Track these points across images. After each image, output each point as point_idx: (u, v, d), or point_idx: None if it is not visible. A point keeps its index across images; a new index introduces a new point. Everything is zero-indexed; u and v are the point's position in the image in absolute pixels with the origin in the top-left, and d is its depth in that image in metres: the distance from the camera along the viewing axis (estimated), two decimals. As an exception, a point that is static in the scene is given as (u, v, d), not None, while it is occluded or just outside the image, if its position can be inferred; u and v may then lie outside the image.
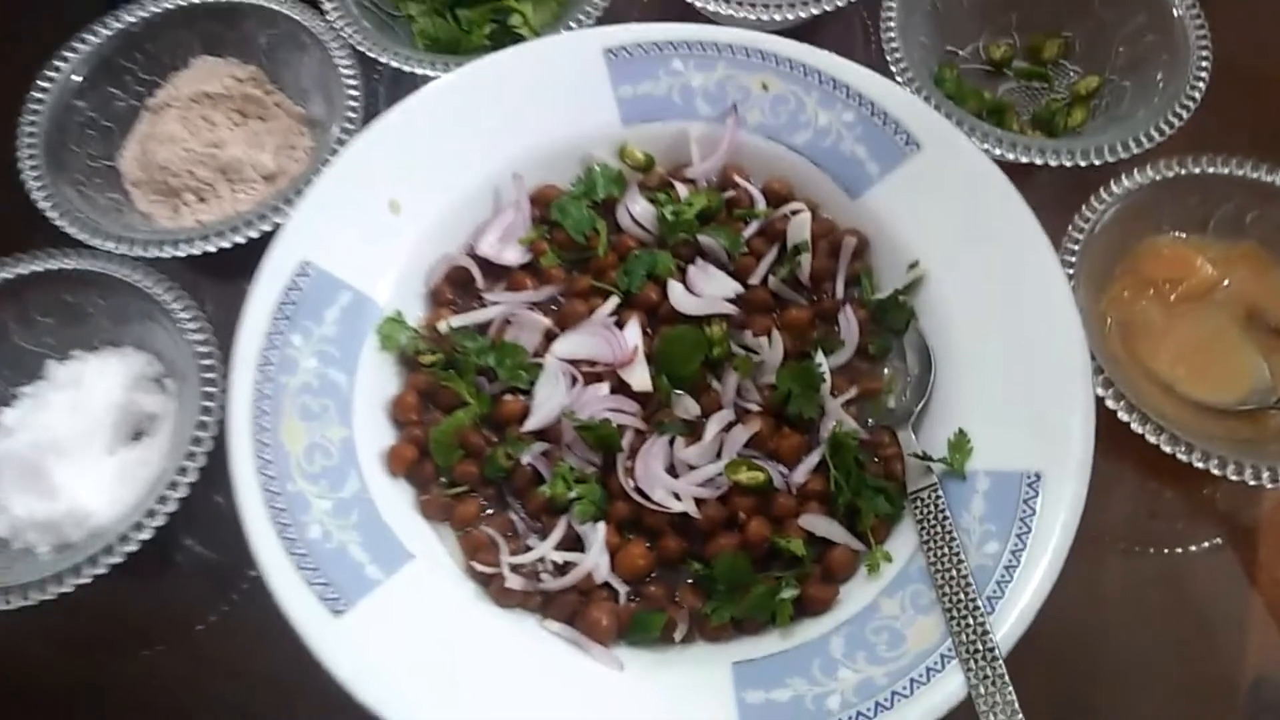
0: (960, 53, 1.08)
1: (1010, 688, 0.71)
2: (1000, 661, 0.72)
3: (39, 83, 0.99)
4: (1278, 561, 0.91)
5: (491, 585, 0.81)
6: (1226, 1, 1.05)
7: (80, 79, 1.01)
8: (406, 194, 0.92)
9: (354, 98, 1.01)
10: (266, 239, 0.88)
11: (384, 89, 1.09)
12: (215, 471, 0.82)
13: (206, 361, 0.88)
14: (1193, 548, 0.92)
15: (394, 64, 1.00)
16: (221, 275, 0.95)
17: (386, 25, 1.08)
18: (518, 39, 1.06)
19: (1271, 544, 0.91)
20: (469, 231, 0.95)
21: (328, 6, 1.02)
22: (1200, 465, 0.80)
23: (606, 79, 0.97)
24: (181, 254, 0.91)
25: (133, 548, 0.80)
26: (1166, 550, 0.92)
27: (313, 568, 0.77)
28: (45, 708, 0.87)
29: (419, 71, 1.00)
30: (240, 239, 0.92)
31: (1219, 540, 0.92)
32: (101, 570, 0.80)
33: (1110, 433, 0.82)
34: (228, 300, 0.90)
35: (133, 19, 1.02)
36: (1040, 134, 1.02)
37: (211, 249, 0.92)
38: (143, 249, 0.91)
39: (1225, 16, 1.01)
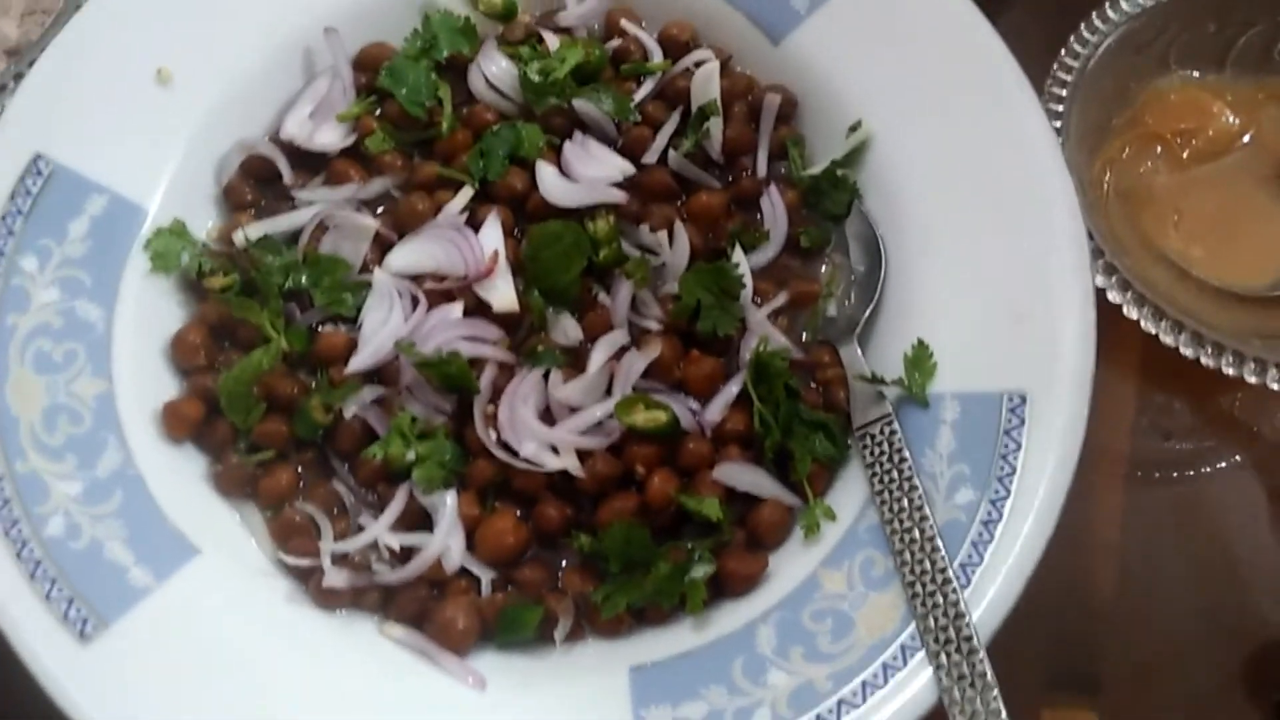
0: None
1: (995, 689, 0.53)
2: (980, 654, 0.53)
3: None
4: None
5: (310, 582, 0.61)
6: None
7: None
8: (180, 59, 0.72)
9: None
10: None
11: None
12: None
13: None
14: (1206, 469, 0.74)
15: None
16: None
17: None
18: None
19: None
20: (272, 109, 0.75)
21: None
22: (1230, 371, 0.61)
23: (445, -105, 0.74)
24: None
25: None
26: (1178, 474, 0.74)
27: (50, 578, 0.57)
28: None
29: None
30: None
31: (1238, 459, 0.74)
32: None
33: (1110, 334, 0.62)
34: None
35: None
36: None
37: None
38: None
39: None
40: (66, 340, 0.64)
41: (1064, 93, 0.69)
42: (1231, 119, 0.72)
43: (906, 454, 0.60)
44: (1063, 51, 0.70)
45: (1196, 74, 0.74)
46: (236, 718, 0.56)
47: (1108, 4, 0.70)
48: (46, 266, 0.65)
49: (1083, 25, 0.70)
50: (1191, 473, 0.74)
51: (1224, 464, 0.74)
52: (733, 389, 0.65)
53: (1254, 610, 0.71)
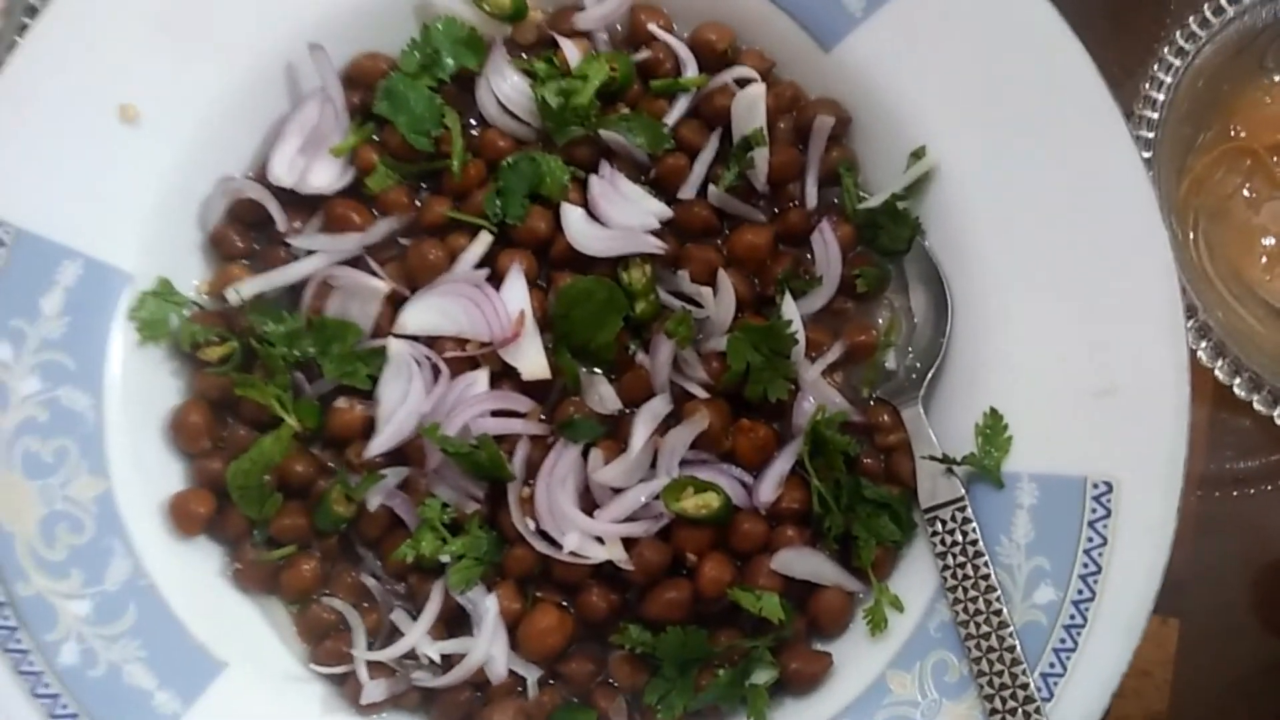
0: None
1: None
2: (1064, 778, 0.51)
3: None
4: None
5: (345, 687, 0.59)
6: None
7: None
8: (144, 91, 0.64)
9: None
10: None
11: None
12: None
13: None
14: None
15: None
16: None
17: None
18: None
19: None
20: (256, 137, 0.68)
21: None
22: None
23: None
24: None
25: None
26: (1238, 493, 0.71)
27: (71, 714, 0.54)
28: None
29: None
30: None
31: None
32: None
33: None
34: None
35: None
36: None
37: None
38: None
39: None
40: (55, 436, 0.59)
41: (1154, 115, 0.61)
42: None
43: (982, 546, 0.56)
44: (1155, 66, 0.62)
45: None
46: None
47: (1206, 6, 0.62)
48: (22, 353, 0.59)
49: (1178, 32, 0.63)
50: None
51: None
52: (787, 462, 0.61)
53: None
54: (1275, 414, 0.61)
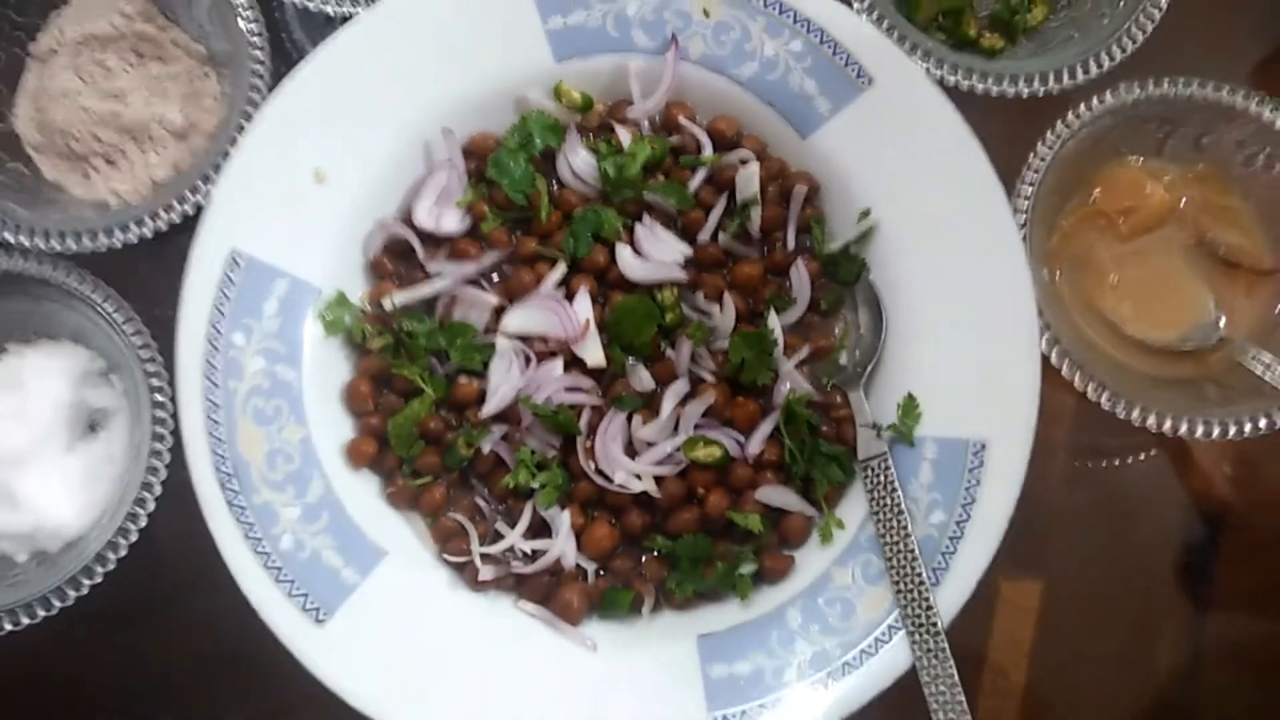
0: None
1: (951, 662, 0.77)
2: (943, 635, 0.78)
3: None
4: (1203, 461, 0.97)
5: (465, 573, 0.85)
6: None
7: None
8: (330, 160, 0.87)
9: (255, 32, 0.92)
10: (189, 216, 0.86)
11: (290, 18, 0.99)
12: (179, 460, 0.82)
13: (148, 361, 0.86)
14: (1130, 459, 0.97)
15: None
16: (149, 257, 0.90)
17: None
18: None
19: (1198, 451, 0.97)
20: (401, 192, 0.91)
21: (213, -71, 0.91)
22: (1137, 422, 0.83)
23: (534, 10, 0.89)
24: (105, 248, 0.87)
25: (110, 567, 0.82)
26: (1105, 464, 0.97)
27: (290, 580, 0.80)
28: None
29: (324, 9, 0.91)
30: (164, 225, 0.87)
31: (1153, 451, 0.97)
32: (84, 591, 0.82)
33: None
34: (156, 288, 0.87)
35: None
36: (999, 35, 0.96)
37: (134, 240, 0.87)
38: (59, 242, 0.86)
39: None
40: (274, 397, 0.84)
41: (1030, 189, 0.86)
42: (1164, 195, 0.88)
43: (897, 486, 0.82)
44: (1032, 152, 0.87)
45: (1138, 159, 0.91)
46: (425, 670, 0.80)
47: (1070, 110, 0.87)
48: (251, 340, 0.84)
49: (1049, 130, 0.86)
50: (1111, 461, 0.96)
51: (1141, 454, 0.97)
52: (767, 427, 0.85)
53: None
54: (1115, 409, 0.85)
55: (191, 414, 0.81)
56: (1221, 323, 0.89)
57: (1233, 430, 0.82)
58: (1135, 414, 0.82)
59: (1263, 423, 0.82)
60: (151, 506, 0.83)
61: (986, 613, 0.93)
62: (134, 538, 0.83)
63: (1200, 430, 0.82)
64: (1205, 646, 0.94)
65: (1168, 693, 0.94)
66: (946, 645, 0.78)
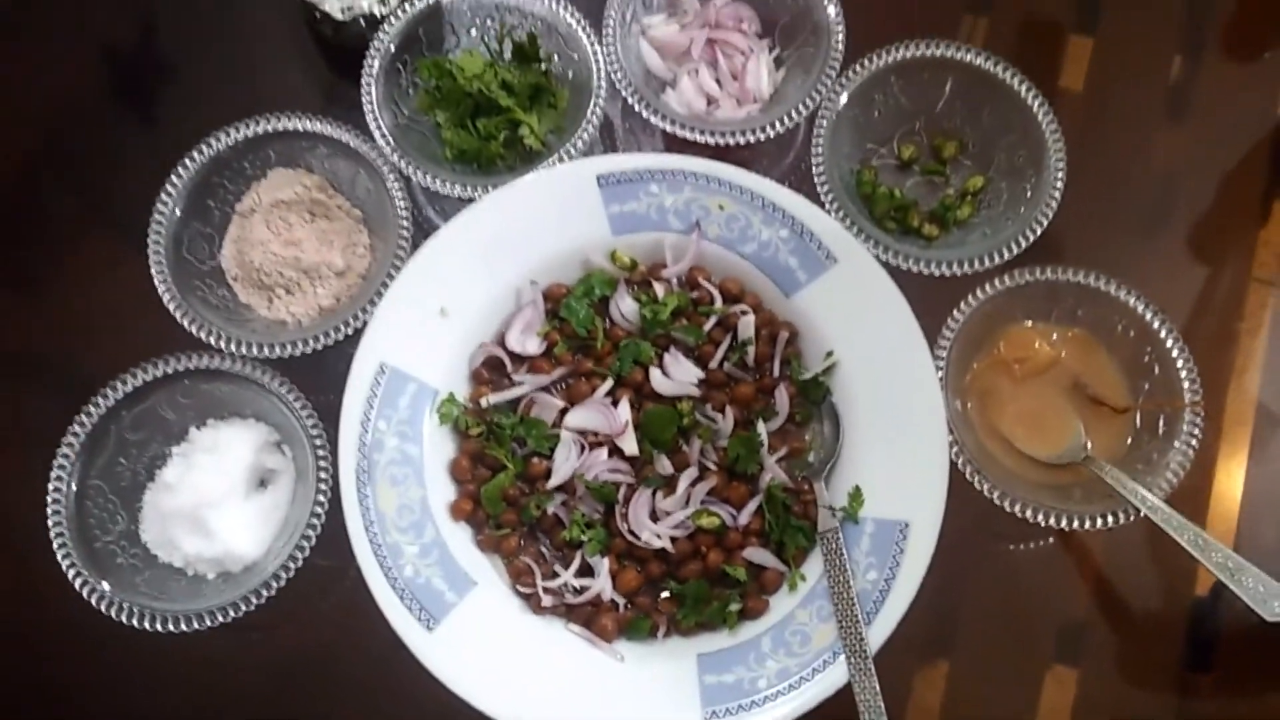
0: (880, 150, 1.35)
1: (874, 677, 1.07)
2: (869, 658, 1.08)
3: (158, 207, 1.25)
4: (1088, 544, 1.27)
5: (531, 601, 1.17)
6: (1083, 126, 1.31)
7: (184, 199, 1.26)
8: (452, 301, 1.15)
9: (402, 206, 1.28)
10: (348, 335, 1.19)
11: (423, 195, 1.36)
12: (334, 509, 1.14)
13: (316, 436, 1.19)
14: (1024, 546, 1.28)
15: (426, 184, 1.27)
16: (314, 362, 1.25)
17: (420, 134, 1.33)
18: (526, 148, 1.32)
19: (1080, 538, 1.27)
20: (499, 325, 1.20)
21: (375, 134, 1.28)
22: (1020, 516, 1.15)
23: (599, 200, 1.23)
24: (286, 355, 1.22)
25: (282, 584, 1.15)
26: (1005, 546, 1.28)
27: (411, 598, 1.12)
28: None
29: (448, 193, 1.27)
30: (330, 341, 1.22)
31: (1049, 540, 1.28)
32: (264, 600, 1.15)
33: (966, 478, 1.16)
34: (319, 384, 1.22)
35: (221, 146, 1.27)
36: (936, 226, 1.31)
37: (307, 351, 1.22)
38: (257, 349, 1.21)
39: (1079, 140, 1.27)
40: (403, 466, 1.14)
41: (948, 341, 1.18)
42: (1049, 350, 1.14)
43: (844, 551, 1.13)
44: (949, 317, 1.20)
45: (1031, 322, 1.17)
46: (504, 669, 1.10)
47: (978, 288, 1.21)
48: (390, 425, 1.14)
49: (961, 302, 1.19)
50: (1009, 546, 1.25)
51: (1033, 543, 1.28)
52: (754, 504, 1.11)
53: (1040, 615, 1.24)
54: (1004, 505, 1.15)
55: (347, 476, 1.14)
56: (1088, 445, 1.20)
57: (1088, 524, 1.14)
58: (1018, 509, 1.14)
59: (1110, 519, 1.14)
60: (314, 542, 1.17)
61: (905, 683, 1.20)
62: (300, 564, 1.16)
63: (1065, 522, 1.14)
64: (1079, 711, 1.19)
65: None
66: (873, 667, 1.08)
